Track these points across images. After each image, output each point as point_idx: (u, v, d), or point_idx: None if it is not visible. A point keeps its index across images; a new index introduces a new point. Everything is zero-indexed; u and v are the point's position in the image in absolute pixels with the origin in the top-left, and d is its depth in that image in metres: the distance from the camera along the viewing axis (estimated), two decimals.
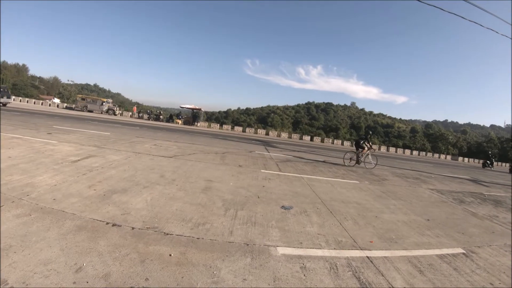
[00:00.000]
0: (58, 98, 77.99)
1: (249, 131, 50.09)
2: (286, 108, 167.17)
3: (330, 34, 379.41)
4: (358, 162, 14.52)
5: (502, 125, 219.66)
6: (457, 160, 61.22)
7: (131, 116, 47.39)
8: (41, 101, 56.06)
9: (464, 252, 4.89)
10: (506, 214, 8.53)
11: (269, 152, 15.74)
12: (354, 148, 17.14)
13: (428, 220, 6.56)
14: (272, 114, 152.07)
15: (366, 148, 14.64)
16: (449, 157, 64.43)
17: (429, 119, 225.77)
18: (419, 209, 7.53)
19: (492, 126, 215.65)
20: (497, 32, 13.56)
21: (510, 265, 4.57)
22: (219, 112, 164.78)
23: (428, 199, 8.96)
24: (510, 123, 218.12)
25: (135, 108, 49.43)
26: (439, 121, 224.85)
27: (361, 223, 5.66)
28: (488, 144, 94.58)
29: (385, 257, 4.21)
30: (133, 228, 4.04)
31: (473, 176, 19.52)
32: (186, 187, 6.48)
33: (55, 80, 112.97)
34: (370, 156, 14.83)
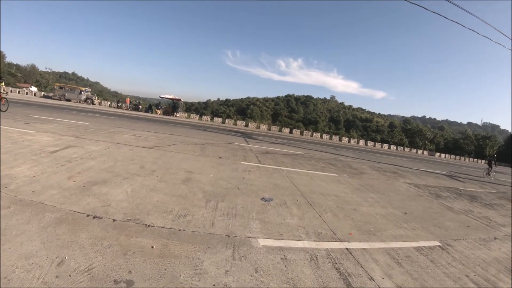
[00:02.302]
0: (36, 86, 75.36)
1: (229, 123, 49.95)
2: (265, 100, 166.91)
3: (311, 28, 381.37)
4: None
5: (479, 123, 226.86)
6: (434, 155, 62.73)
7: (109, 106, 46.56)
8: (18, 90, 54.38)
9: (440, 245, 5.11)
10: (481, 209, 8.93)
11: (248, 144, 15.79)
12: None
13: (405, 213, 6.78)
14: (252, 106, 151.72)
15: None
16: (426, 152, 65.97)
17: (408, 114, 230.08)
18: (397, 202, 7.77)
19: (469, 123, 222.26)
20: (478, 33, 13.89)
21: (487, 258, 4.82)
22: (199, 102, 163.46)
23: (405, 193, 9.23)
24: (487, 121, 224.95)
25: (128, 99, 48.06)
26: (417, 117, 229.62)
27: (340, 215, 5.81)
28: (465, 141, 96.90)
29: (364, 249, 4.35)
30: (114, 220, 4.04)
31: (449, 171, 20.09)
32: (167, 179, 6.47)
33: (33, 67, 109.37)
34: None
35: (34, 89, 60.87)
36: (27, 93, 50.11)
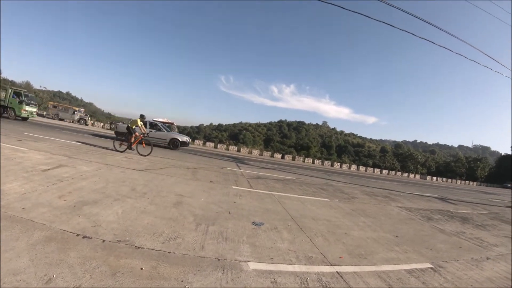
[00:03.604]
0: None
1: (221, 147, 49.94)
2: (258, 125, 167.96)
3: (304, 55, 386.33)
4: None
5: (470, 145, 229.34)
6: (425, 179, 62.99)
7: (102, 127, 46.50)
8: None
9: (432, 266, 5.12)
10: (473, 230, 8.98)
11: (240, 169, 15.79)
12: None
13: (396, 236, 6.79)
14: (244, 131, 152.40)
15: None
16: (418, 176, 66.24)
17: (399, 139, 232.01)
18: (388, 226, 7.78)
19: (460, 146, 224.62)
20: (465, 57, 14.36)
21: (480, 278, 4.85)
22: (191, 127, 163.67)
23: (397, 217, 9.26)
24: (478, 143, 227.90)
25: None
26: (408, 141, 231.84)
27: (331, 239, 5.80)
28: (456, 163, 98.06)
29: (355, 272, 4.35)
30: (104, 240, 4.01)
31: (441, 195, 20.22)
32: (157, 201, 6.45)
33: (27, 85, 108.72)
34: None
35: None
36: None
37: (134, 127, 14.30)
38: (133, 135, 14.24)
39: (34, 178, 6.54)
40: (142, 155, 13.76)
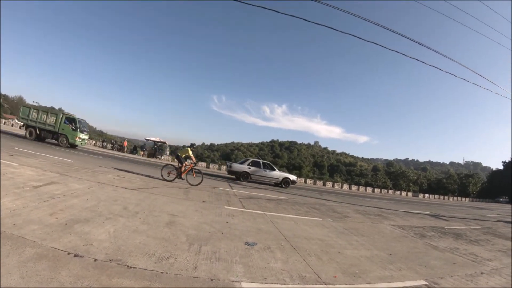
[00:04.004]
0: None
1: (213, 167, 49.80)
2: (250, 145, 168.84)
3: (296, 75, 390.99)
4: None
5: (461, 162, 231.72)
6: (418, 196, 63.03)
7: (94, 145, 46.30)
8: (3, 120, 53.95)
9: (427, 283, 5.13)
10: (467, 245, 9.03)
11: (232, 189, 15.71)
12: None
13: (390, 254, 6.79)
14: (236, 151, 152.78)
15: None
16: (410, 194, 66.25)
17: (391, 157, 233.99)
18: (381, 244, 7.78)
19: (452, 163, 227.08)
20: (455, 76, 14.69)
21: None
22: (183, 146, 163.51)
23: (390, 235, 9.27)
24: (469, 159, 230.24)
25: (126, 142, 47.19)
26: (400, 159, 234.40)
27: (324, 258, 5.78)
28: (448, 180, 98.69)
29: None
30: (95, 259, 3.97)
31: (434, 211, 20.33)
32: (150, 221, 6.40)
33: (20, 99, 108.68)
34: None
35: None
36: (12, 125, 49.74)
37: (183, 156, 14.43)
38: (183, 164, 14.28)
39: (25, 194, 6.50)
40: (192, 185, 13.66)
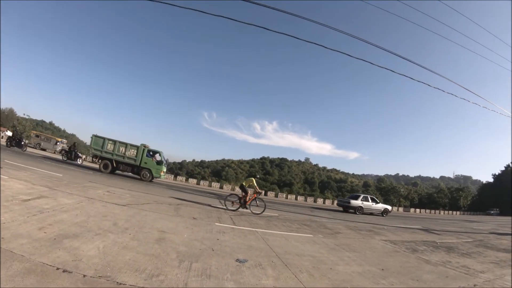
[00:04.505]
0: (11, 131, 73.87)
1: (203, 184, 49.62)
2: (241, 162, 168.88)
3: (286, 92, 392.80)
4: None
5: (452, 176, 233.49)
6: (409, 211, 62.79)
7: (84, 159, 45.93)
8: None
9: None
10: (459, 258, 9.12)
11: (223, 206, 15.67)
12: None
13: (382, 269, 6.80)
14: (227, 168, 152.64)
15: None
16: (401, 209, 66.17)
17: (381, 173, 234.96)
18: (373, 259, 7.79)
19: (442, 177, 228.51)
20: (443, 91, 14.99)
21: None
22: (174, 163, 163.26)
23: (382, 250, 9.29)
24: (459, 173, 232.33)
25: None
26: (391, 175, 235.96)
27: (316, 275, 5.77)
28: (439, 194, 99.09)
29: None
30: (84, 275, 3.92)
31: (425, 226, 20.45)
32: (140, 237, 6.35)
33: (10, 112, 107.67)
34: None
35: (9, 134, 59.78)
36: (2, 137, 49.30)
37: (248, 185, 14.47)
38: (248, 194, 14.36)
39: (14, 207, 6.44)
40: (255, 213, 13.91)
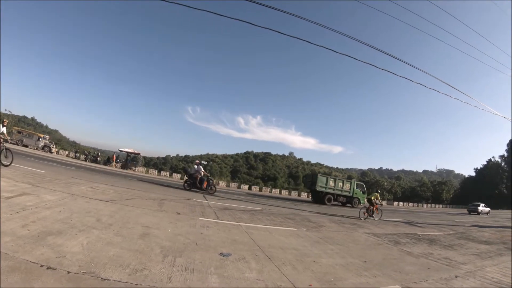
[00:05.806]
0: None
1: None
2: (225, 157, 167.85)
3: (270, 87, 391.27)
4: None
5: (434, 170, 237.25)
6: (392, 204, 63.47)
7: (67, 156, 45.29)
8: None
9: None
10: (440, 250, 9.41)
11: (207, 200, 15.67)
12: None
13: (365, 262, 6.99)
14: (211, 162, 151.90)
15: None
16: (384, 202, 66.89)
17: (365, 167, 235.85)
18: (356, 252, 7.99)
19: (425, 171, 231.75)
20: (425, 86, 15.31)
21: None
22: (158, 158, 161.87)
23: (365, 243, 9.52)
24: (442, 167, 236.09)
25: (114, 156, 45.82)
26: (374, 169, 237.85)
27: (299, 267, 5.90)
28: (422, 188, 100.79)
29: None
30: (68, 272, 3.95)
31: (408, 219, 20.97)
32: (123, 233, 6.37)
33: None
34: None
35: None
36: None
37: (373, 198, 17.78)
38: (375, 205, 17.56)
39: None
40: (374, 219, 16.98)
